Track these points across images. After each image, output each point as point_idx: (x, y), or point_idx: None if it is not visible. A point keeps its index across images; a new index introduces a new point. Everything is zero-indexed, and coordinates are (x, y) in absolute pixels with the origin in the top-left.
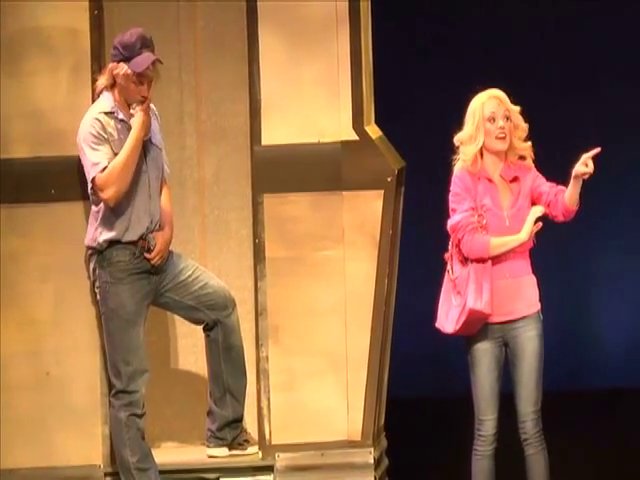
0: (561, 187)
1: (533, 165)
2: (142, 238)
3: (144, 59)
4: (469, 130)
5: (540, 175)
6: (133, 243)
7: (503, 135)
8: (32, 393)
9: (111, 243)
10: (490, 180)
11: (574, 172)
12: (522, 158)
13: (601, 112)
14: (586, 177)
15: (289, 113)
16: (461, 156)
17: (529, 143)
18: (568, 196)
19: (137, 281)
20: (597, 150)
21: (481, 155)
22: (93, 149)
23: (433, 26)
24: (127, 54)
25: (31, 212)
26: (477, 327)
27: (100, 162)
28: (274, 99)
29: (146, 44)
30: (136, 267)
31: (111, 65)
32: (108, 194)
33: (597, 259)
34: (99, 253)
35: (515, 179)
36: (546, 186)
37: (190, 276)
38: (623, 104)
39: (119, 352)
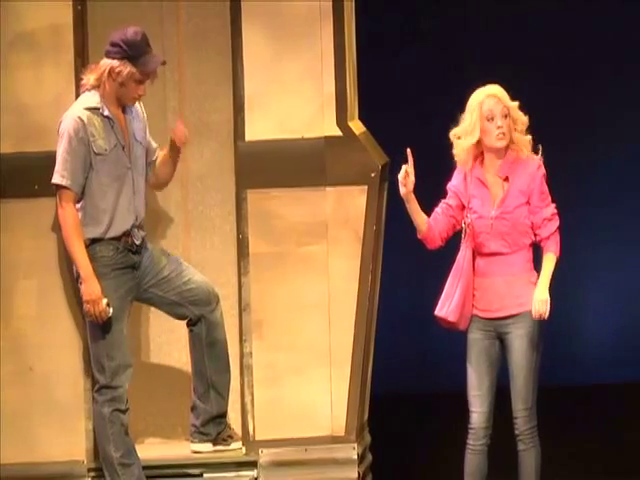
0: (547, 232)
1: (539, 167)
2: (126, 234)
3: (153, 60)
4: (466, 126)
5: (543, 190)
6: (117, 239)
7: (502, 135)
8: (15, 388)
9: (94, 240)
10: (481, 181)
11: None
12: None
13: (584, 106)
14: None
15: (273, 109)
16: (454, 151)
17: (529, 137)
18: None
19: (120, 276)
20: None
21: (482, 154)
22: (67, 153)
23: (417, 21)
24: (133, 53)
25: (14, 207)
26: (456, 328)
27: (64, 177)
28: (258, 95)
29: (148, 43)
30: (119, 262)
31: (111, 63)
32: (59, 208)
33: (581, 255)
34: None
35: (507, 179)
36: (539, 217)
37: (173, 271)
38: (615, 93)
39: (103, 347)
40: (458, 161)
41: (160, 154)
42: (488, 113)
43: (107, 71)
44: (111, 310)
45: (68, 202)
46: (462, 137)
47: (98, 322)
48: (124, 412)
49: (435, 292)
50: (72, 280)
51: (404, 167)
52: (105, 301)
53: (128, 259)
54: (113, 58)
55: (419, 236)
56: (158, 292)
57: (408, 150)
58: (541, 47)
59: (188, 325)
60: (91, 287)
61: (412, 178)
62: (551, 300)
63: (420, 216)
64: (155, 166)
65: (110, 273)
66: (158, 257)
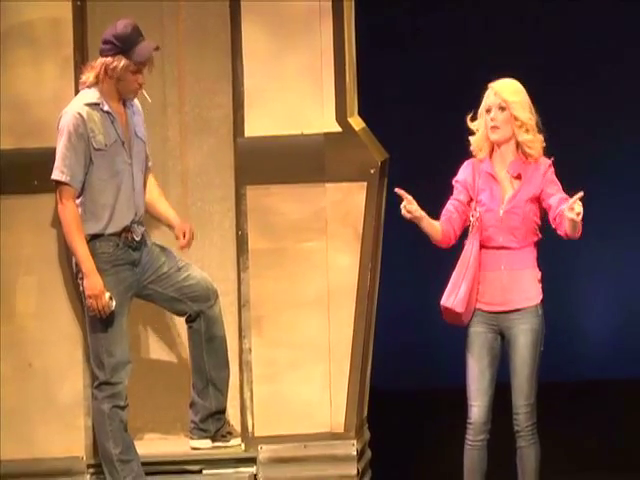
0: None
1: (549, 166)
2: (125, 230)
3: (146, 48)
4: (478, 120)
5: (554, 181)
6: (117, 235)
7: (493, 125)
8: (14, 385)
9: (94, 236)
10: (492, 175)
11: (565, 219)
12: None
13: (584, 106)
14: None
15: (272, 105)
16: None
17: (530, 136)
18: (566, 229)
19: (120, 272)
20: (580, 194)
21: (492, 150)
22: (67, 149)
23: (417, 19)
24: (125, 46)
25: (14, 204)
26: (460, 321)
27: (64, 173)
28: (257, 91)
29: (140, 33)
30: (119, 258)
31: (105, 60)
32: (59, 204)
33: (579, 251)
34: None
35: (519, 176)
36: (556, 199)
37: (173, 267)
38: (613, 93)
39: (102, 343)
40: (473, 150)
41: (155, 200)
42: (486, 106)
43: (103, 69)
44: (114, 304)
45: (68, 198)
46: (476, 130)
47: (101, 316)
48: (123, 408)
49: (435, 288)
50: (72, 276)
51: (403, 206)
52: (108, 295)
53: (128, 255)
54: (107, 55)
55: (434, 242)
56: (157, 288)
57: (397, 191)
58: (541, 47)
59: (187, 321)
60: (93, 281)
61: (415, 207)
62: (551, 297)
63: (433, 227)
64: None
65: (110, 269)
66: (157, 253)
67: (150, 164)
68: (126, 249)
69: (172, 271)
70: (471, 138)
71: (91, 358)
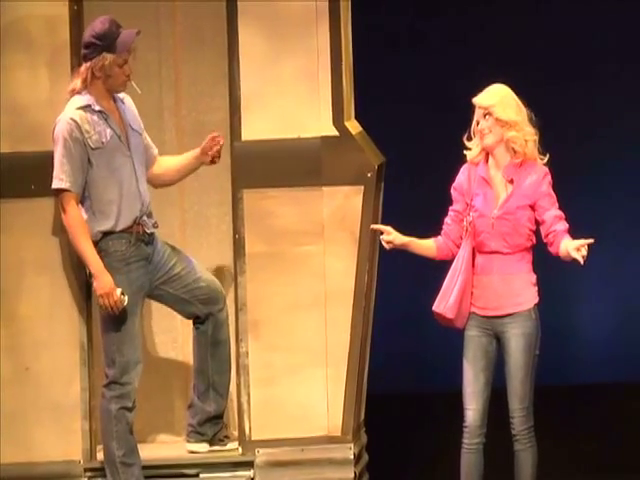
0: (562, 226)
1: (545, 175)
2: (136, 222)
3: (127, 36)
4: (474, 139)
5: (550, 194)
6: (128, 230)
7: (483, 134)
8: (12, 388)
9: (106, 233)
10: (486, 180)
11: (566, 252)
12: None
13: (584, 106)
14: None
15: (269, 108)
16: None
17: (514, 133)
18: (560, 255)
19: (134, 271)
20: (591, 241)
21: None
22: (63, 156)
23: (413, 18)
24: (107, 43)
25: (11, 207)
26: (453, 325)
27: (63, 180)
28: (254, 94)
29: (118, 24)
30: (132, 255)
31: (91, 64)
32: (62, 212)
33: None
34: (94, 244)
35: (512, 181)
36: (550, 214)
37: (184, 269)
38: (613, 93)
39: (114, 342)
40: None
41: (178, 161)
42: (475, 121)
43: (90, 73)
44: (126, 299)
45: (70, 204)
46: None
47: (115, 313)
48: (130, 410)
49: (432, 291)
50: (69, 279)
51: (382, 239)
52: (119, 291)
53: (141, 251)
54: (91, 59)
55: (433, 259)
56: (169, 289)
57: (373, 227)
58: (541, 47)
59: (195, 323)
60: (103, 281)
61: (393, 236)
62: (548, 300)
63: (424, 248)
64: (160, 166)
65: (124, 267)
66: (169, 254)
67: (156, 152)
68: (139, 244)
69: (183, 272)
70: (466, 152)
71: (104, 356)
